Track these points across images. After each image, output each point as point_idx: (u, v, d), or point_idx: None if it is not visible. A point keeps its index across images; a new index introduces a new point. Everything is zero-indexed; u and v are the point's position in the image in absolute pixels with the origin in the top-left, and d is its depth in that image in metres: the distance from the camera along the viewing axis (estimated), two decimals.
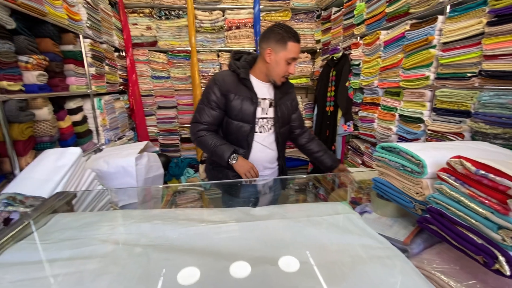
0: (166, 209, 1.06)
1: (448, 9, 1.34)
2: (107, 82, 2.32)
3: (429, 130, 1.47)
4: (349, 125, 2.42)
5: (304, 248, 0.59)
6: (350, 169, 1.31)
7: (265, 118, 1.33)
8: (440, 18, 1.38)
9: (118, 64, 2.61)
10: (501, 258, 0.44)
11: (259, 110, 1.29)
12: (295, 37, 1.20)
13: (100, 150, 2.06)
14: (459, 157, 0.55)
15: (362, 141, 2.35)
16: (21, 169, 1.30)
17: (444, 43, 1.36)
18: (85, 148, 1.92)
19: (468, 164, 0.52)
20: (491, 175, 0.48)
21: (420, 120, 1.54)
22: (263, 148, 1.34)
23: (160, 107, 3.13)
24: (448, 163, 0.57)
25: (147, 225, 0.69)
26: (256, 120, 1.29)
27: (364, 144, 2.28)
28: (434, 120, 1.45)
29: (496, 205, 0.47)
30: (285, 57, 1.20)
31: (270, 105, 1.32)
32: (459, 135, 1.29)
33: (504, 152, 0.71)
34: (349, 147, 2.54)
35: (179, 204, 1.18)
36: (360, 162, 2.33)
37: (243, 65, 1.30)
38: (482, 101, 1.16)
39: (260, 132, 1.32)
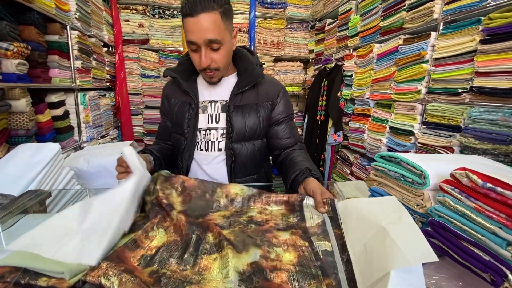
0: None
1: (441, 26, 1.38)
2: (93, 78, 2.21)
3: (419, 143, 1.49)
4: (339, 135, 2.44)
5: None
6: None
7: (214, 128, 0.92)
8: (433, 34, 1.41)
9: (106, 59, 2.51)
10: (511, 277, 0.42)
11: (203, 117, 0.93)
12: (189, 9, 0.73)
13: (81, 148, 1.95)
14: (464, 169, 0.53)
15: (351, 151, 2.36)
16: None
17: (437, 59, 1.39)
18: (64, 145, 1.80)
19: (474, 177, 0.51)
20: (499, 189, 0.46)
21: (411, 133, 1.56)
22: (205, 178, 0.91)
23: (147, 107, 3.03)
24: (452, 175, 0.55)
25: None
26: (199, 131, 0.93)
27: (353, 155, 2.29)
28: (424, 133, 1.47)
29: (505, 220, 0.45)
30: (187, 43, 0.80)
31: (224, 110, 0.92)
32: (449, 149, 1.31)
33: (501, 167, 0.70)
34: (338, 156, 2.55)
35: None
36: (348, 172, 2.34)
37: (182, 62, 0.97)
38: (473, 117, 1.18)
39: (206, 150, 0.93)
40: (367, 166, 2.06)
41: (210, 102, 0.94)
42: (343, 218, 0.57)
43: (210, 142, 0.93)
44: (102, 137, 2.34)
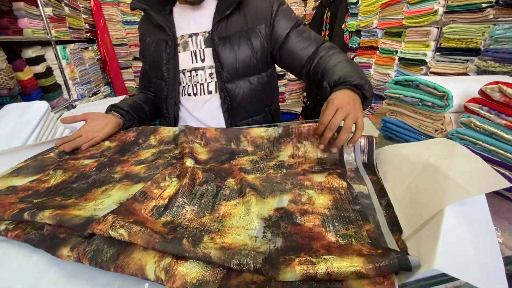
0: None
1: None
2: (70, 28, 2.00)
3: (431, 72, 1.39)
4: None
5: None
6: None
7: (200, 68, 0.79)
8: None
9: (80, 5, 2.24)
10: None
11: (184, 56, 0.79)
12: None
13: (73, 106, 1.87)
14: (497, 82, 0.46)
15: None
16: None
17: None
18: (55, 104, 1.72)
19: (510, 90, 0.44)
20: None
21: (423, 62, 1.44)
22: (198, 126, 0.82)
23: (136, 58, 2.83)
24: (481, 91, 0.49)
25: None
26: (183, 73, 0.81)
27: None
28: (438, 61, 1.35)
29: None
30: None
31: (208, 44, 0.77)
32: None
33: None
34: None
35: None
36: None
37: None
38: (495, 36, 1.06)
39: (194, 94, 0.81)
40: (372, 104, 1.98)
41: (190, 36, 0.78)
42: (379, 164, 0.51)
43: (198, 85, 0.80)
44: (94, 94, 2.24)
